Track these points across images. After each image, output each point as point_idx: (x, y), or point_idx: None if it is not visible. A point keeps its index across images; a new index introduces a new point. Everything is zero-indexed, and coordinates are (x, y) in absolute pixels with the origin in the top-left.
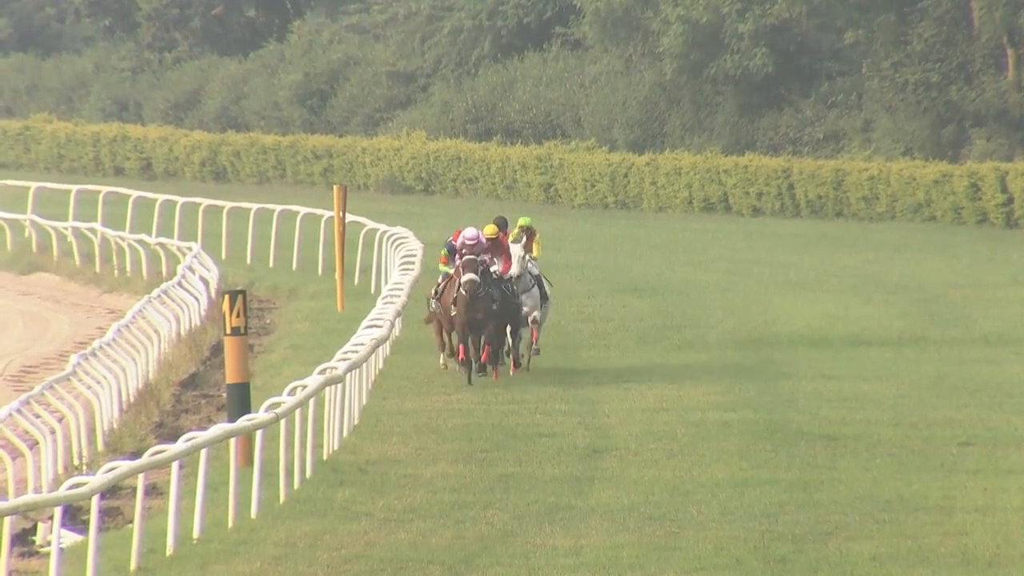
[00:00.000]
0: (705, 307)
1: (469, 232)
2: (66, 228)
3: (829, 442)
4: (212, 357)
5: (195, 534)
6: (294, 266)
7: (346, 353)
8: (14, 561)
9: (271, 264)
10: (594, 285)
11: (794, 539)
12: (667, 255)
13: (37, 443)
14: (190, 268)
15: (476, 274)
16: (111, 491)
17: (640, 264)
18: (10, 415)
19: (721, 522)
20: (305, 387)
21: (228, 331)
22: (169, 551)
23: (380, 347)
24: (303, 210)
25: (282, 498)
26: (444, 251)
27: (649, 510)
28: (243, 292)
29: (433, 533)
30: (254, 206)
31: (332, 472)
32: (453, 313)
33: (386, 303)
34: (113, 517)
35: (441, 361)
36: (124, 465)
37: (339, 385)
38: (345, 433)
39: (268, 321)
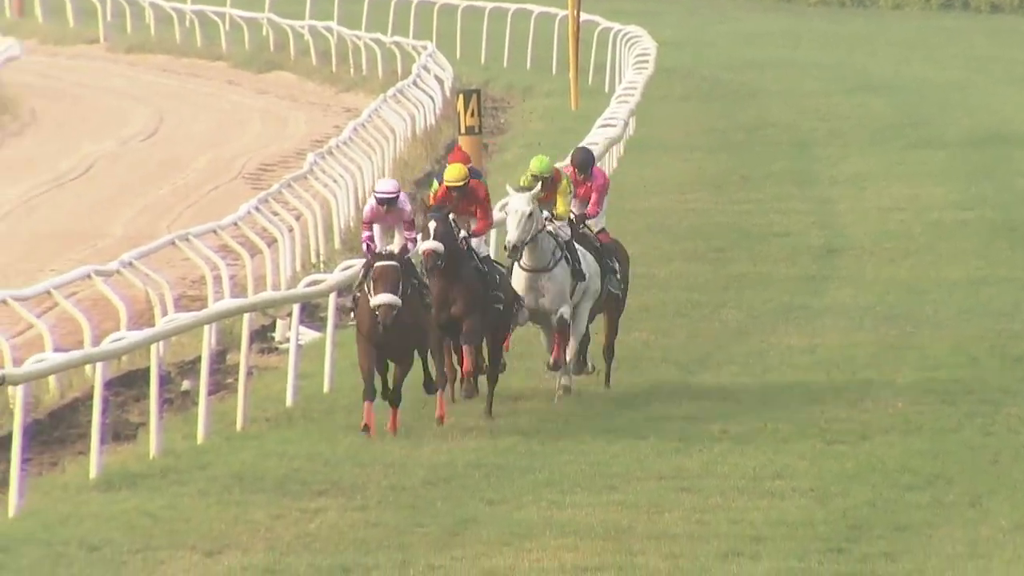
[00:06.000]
0: (942, 105)
1: (383, 185)
2: (302, 27)
3: None
4: (447, 156)
5: None
6: (528, 65)
7: None
8: (254, 357)
9: (505, 64)
10: (830, 84)
11: None
12: (904, 53)
13: (275, 241)
14: (425, 67)
15: (397, 293)
16: (347, 289)
17: (876, 62)
18: (248, 213)
19: (957, 321)
20: None
21: (463, 130)
22: None
23: (614, 146)
24: (537, 9)
25: None
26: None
27: (884, 309)
28: (477, 91)
29: (667, 332)
30: (488, 5)
31: None
32: (352, 321)
33: (620, 102)
34: (349, 315)
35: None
36: (360, 263)
37: None
38: None
39: (502, 120)
